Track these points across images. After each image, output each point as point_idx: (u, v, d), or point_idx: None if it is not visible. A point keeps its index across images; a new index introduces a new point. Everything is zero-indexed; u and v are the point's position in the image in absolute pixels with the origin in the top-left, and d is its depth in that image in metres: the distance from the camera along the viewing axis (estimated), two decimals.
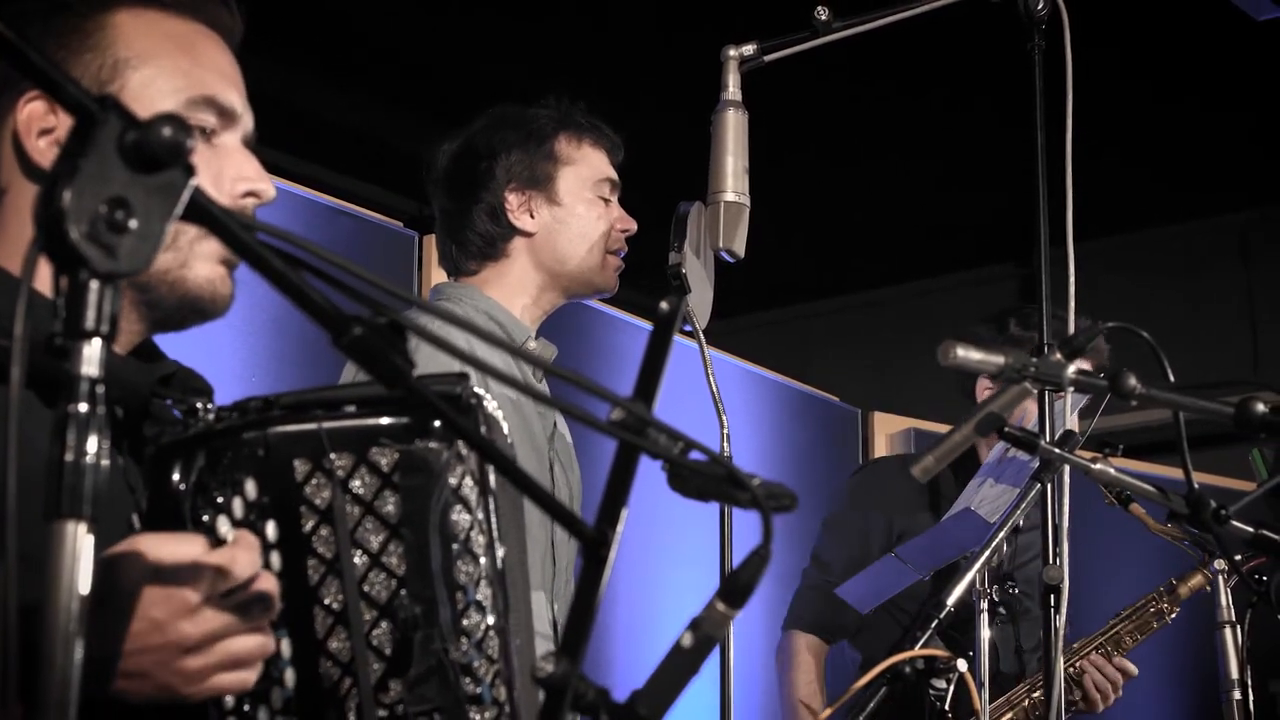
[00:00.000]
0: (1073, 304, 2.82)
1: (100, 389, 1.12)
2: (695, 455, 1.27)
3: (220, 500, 1.56)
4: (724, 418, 2.97)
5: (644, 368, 1.28)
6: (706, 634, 1.27)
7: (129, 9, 1.79)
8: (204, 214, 1.17)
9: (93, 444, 1.11)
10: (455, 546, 1.62)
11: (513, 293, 3.21)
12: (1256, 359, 7.90)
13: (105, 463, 1.11)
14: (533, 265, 3.22)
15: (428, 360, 2.90)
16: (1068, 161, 2.83)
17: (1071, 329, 2.78)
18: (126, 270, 1.10)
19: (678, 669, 1.28)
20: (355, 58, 6.62)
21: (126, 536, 1.60)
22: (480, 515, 1.63)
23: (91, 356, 1.11)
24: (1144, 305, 7.57)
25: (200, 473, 1.56)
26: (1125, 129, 6.78)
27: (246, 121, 1.84)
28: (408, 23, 6.36)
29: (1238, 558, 2.94)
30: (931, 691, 2.97)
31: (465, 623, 1.62)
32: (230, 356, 3.84)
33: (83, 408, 1.11)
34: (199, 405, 1.62)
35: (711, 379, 2.98)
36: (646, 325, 3.02)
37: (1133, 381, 2.07)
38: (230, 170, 1.80)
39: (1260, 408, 2.06)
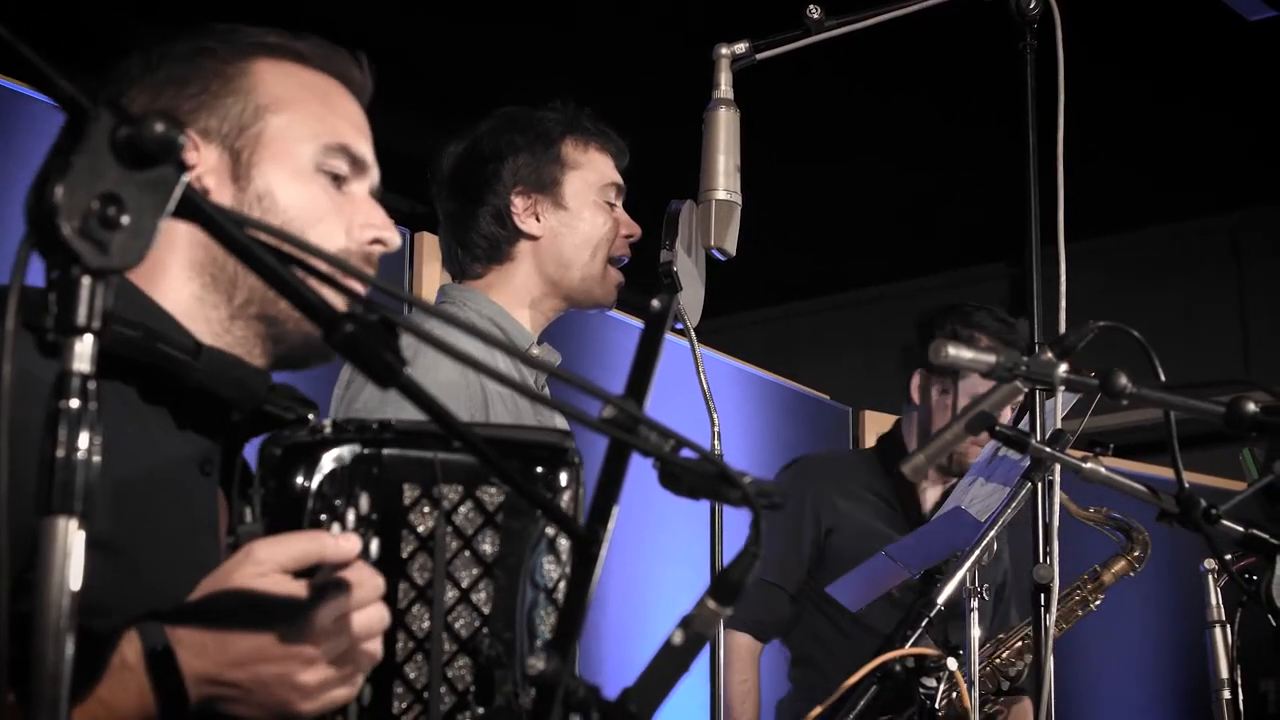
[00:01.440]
0: (1063, 303, 2.82)
1: (92, 385, 1.11)
2: (686, 453, 1.27)
3: (338, 506, 1.60)
4: (715, 416, 2.97)
5: (635, 365, 1.28)
6: (697, 631, 1.27)
7: (268, 58, 1.86)
8: (196, 211, 1.17)
9: (84, 440, 1.10)
10: (541, 595, 1.66)
11: (517, 298, 3.20)
12: (1247, 359, 7.91)
13: (98, 459, 1.11)
14: (536, 270, 3.20)
15: (430, 361, 2.90)
16: (1059, 160, 2.83)
17: (1062, 328, 2.78)
18: (118, 266, 1.10)
19: (668, 666, 1.28)
20: None
21: (208, 547, 1.63)
22: (569, 570, 1.66)
23: (83, 352, 1.11)
24: (1135, 305, 7.58)
25: (324, 479, 1.59)
26: (1116, 129, 6.79)
27: (374, 174, 1.90)
28: (400, 21, 6.36)
29: (1228, 557, 2.94)
30: (921, 690, 2.97)
31: None
32: None
33: (74, 404, 1.11)
34: (310, 416, 1.65)
35: (703, 377, 2.98)
36: (638, 323, 3.02)
37: (1123, 381, 2.07)
38: (359, 218, 1.85)
39: (1251, 407, 2.07)
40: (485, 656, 1.62)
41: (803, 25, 2.96)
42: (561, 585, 1.66)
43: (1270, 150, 7.15)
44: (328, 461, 1.60)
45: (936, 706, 2.97)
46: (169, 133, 1.10)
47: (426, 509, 1.62)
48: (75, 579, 1.09)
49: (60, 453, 1.10)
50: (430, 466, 1.63)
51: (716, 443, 2.98)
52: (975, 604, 3.18)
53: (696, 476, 1.26)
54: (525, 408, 3.10)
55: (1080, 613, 4.09)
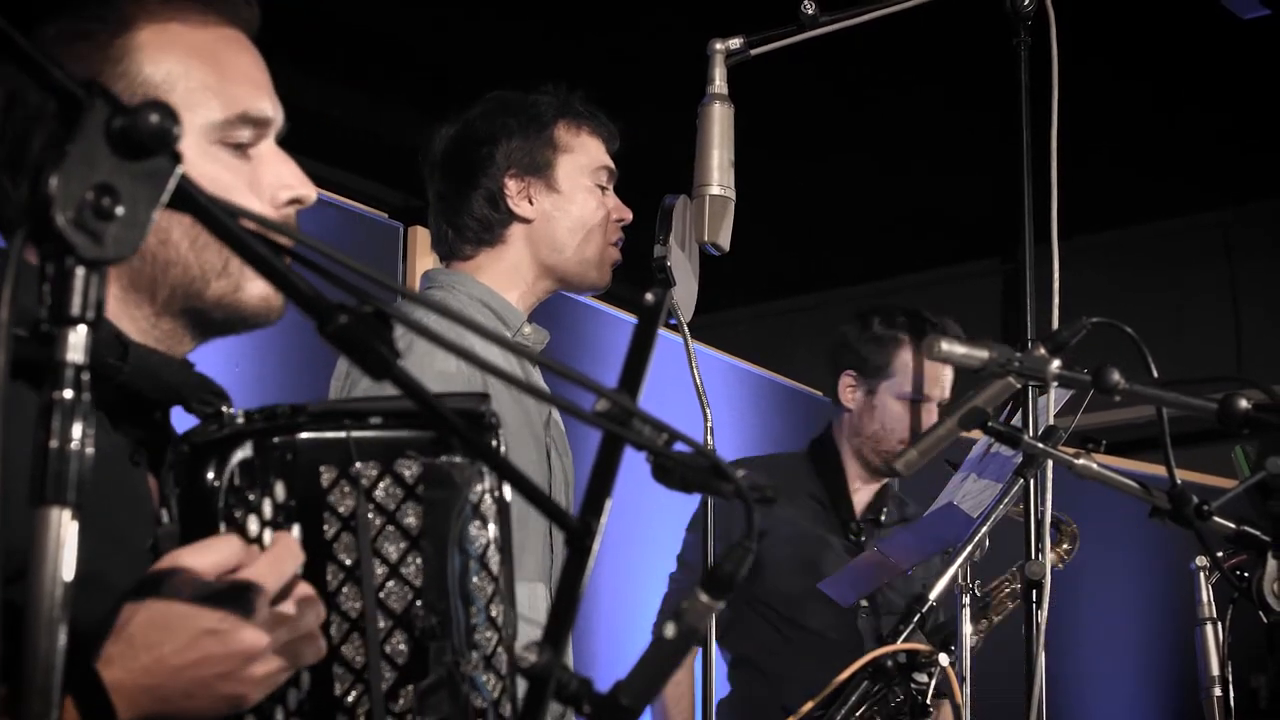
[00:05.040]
0: (1056, 300, 2.82)
1: (85, 376, 1.11)
2: (680, 447, 1.27)
3: (251, 499, 1.57)
4: (708, 411, 2.97)
5: (629, 360, 1.28)
6: (690, 625, 1.27)
7: (151, 24, 1.76)
8: (190, 201, 1.16)
9: (77, 430, 1.10)
10: (472, 562, 1.65)
11: (507, 279, 3.20)
12: (1240, 356, 7.91)
13: (90, 450, 1.11)
14: (529, 252, 3.20)
15: (422, 354, 2.90)
16: (1053, 157, 2.83)
17: (1055, 325, 2.78)
18: (113, 257, 1.10)
19: (660, 660, 1.28)
20: (341, 48, 6.61)
21: (148, 536, 1.62)
22: (496, 533, 1.67)
23: (77, 343, 1.11)
24: (1128, 302, 7.58)
25: (234, 472, 1.57)
26: (1110, 125, 6.79)
27: (278, 120, 1.82)
28: (394, 13, 6.36)
29: (1220, 554, 2.94)
30: (913, 685, 2.97)
31: (476, 637, 1.65)
32: (214, 353, 3.82)
33: (68, 394, 1.10)
34: (223, 409, 1.63)
35: (695, 372, 2.98)
36: (631, 318, 3.02)
37: (1116, 377, 2.07)
38: (269, 178, 1.78)
39: (1243, 404, 2.07)
40: (421, 629, 1.62)
41: (797, 21, 2.97)
42: (490, 549, 1.65)
43: (1263, 147, 7.15)
44: (238, 454, 1.58)
45: (928, 702, 2.97)
46: (164, 123, 1.10)
47: (346, 489, 1.60)
48: (69, 569, 1.09)
49: (54, 443, 1.10)
50: (345, 446, 1.60)
51: (709, 438, 2.98)
52: (967, 600, 3.19)
53: (689, 470, 1.26)
54: (527, 396, 3.11)
55: (1010, 604, 4.11)
